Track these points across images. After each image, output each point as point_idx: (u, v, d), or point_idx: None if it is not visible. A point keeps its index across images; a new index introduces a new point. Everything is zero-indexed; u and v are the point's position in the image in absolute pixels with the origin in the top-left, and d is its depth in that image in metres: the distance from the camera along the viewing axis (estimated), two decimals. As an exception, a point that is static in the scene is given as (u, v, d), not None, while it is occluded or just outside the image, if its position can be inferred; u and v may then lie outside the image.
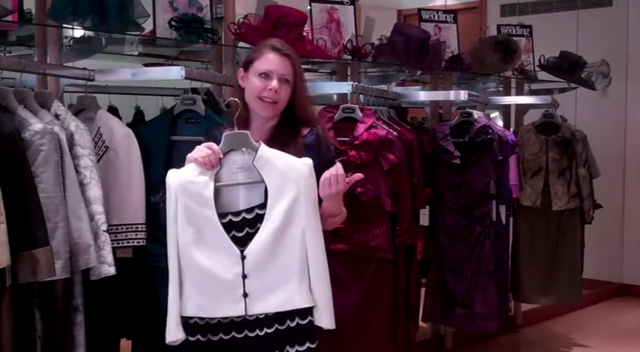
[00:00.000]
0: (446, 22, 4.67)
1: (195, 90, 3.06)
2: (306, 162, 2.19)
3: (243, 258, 2.15)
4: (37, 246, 2.29)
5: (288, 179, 2.17)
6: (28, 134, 2.37)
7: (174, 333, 2.20)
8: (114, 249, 2.66)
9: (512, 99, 5.18)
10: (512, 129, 4.89)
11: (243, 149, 2.21)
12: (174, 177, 2.19)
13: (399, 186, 3.46)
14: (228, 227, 2.16)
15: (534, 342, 4.99)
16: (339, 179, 2.22)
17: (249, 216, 2.18)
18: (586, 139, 4.83)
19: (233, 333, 2.22)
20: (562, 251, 4.86)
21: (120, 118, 3.62)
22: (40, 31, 2.91)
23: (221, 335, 2.22)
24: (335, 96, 3.85)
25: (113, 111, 3.71)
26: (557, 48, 5.12)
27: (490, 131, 4.10)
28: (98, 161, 2.69)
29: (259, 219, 2.17)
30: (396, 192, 3.45)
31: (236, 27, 3.36)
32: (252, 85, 2.31)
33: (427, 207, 3.87)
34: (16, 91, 2.57)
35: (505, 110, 5.19)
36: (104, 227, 2.53)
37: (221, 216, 2.16)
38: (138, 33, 3.13)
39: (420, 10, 4.68)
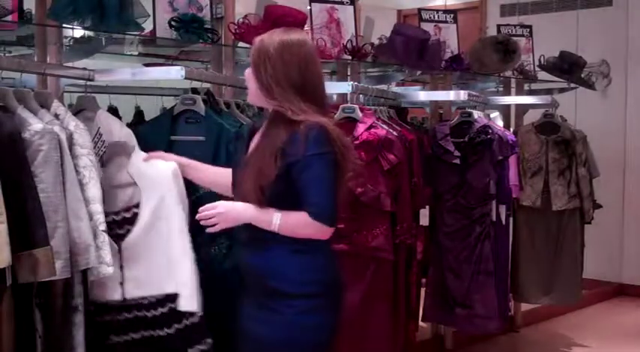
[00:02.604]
0: (446, 22, 4.67)
1: (195, 91, 3.06)
2: (170, 166, 2.62)
3: (120, 251, 2.63)
4: (37, 246, 2.29)
5: (155, 182, 2.62)
6: (28, 134, 2.37)
7: None
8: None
9: (512, 99, 5.18)
10: (512, 129, 4.89)
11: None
12: None
13: (399, 186, 3.46)
14: (111, 225, 2.59)
15: (534, 342, 4.99)
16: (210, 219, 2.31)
17: (127, 215, 2.66)
18: (586, 139, 4.84)
19: (114, 315, 2.69)
20: (562, 251, 4.86)
21: (120, 118, 3.62)
22: (40, 31, 2.91)
23: (107, 316, 2.69)
24: (335, 96, 3.85)
25: (113, 111, 3.71)
26: (557, 48, 5.12)
27: (490, 131, 4.10)
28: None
29: (136, 216, 2.64)
30: (396, 192, 3.45)
31: (236, 27, 3.36)
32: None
33: (427, 207, 3.87)
34: (16, 91, 2.56)
35: (505, 110, 5.19)
36: (103, 227, 2.52)
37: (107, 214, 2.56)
38: (138, 33, 3.13)
39: (419, 10, 4.69)
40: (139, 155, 2.68)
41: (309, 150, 2.18)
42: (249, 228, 2.30)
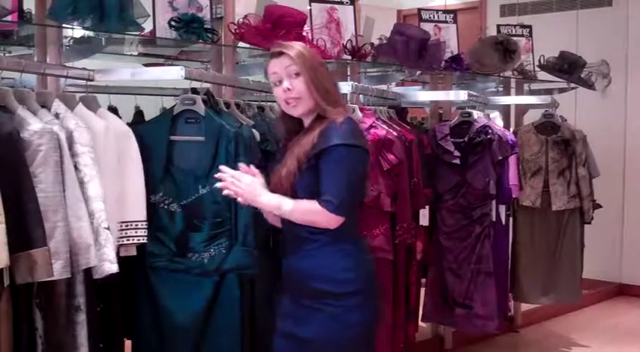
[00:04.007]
0: (446, 22, 4.67)
1: (195, 91, 3.06)
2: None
3: None
4: (35, 247, 2.29)
5: None
6: (27, 134, 2.37)
7: None
8: (117, 248, 2.67)
9: (512, 99, 5.18)
10: (512, 129, 4.89)
11: None
12: None
13: (399, 186, 3.46)
14: None
15: (534, 342, 4.99)
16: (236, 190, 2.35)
17: None
18: (586, 139, 4.84)
19: None
20: (562, 251, 4.86)
21: (120, 118, 3.63)
22: (40, 31, 2.91)
23: None
24: (335, 96, 3.84)
25: (113, 111, 3.70)
26: (557, 48, 5.12)
27: (490, 131, 4.10)
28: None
29: None
30: (395, 192, 3.45)
31: (236, 27, 3.36)
32: (276, 96, 2.39)
33: (427, 207, 3.87)
34: (16, 91, 2.57)
35: (505, 110, 5.20)
36: (105, 224, 2.52)
37: None
38: (138, 33, 3.13)
39: (419, 10, 4.68)
40: None
41: (337, 140, 2.25)
42: (291, 233, 2.38)
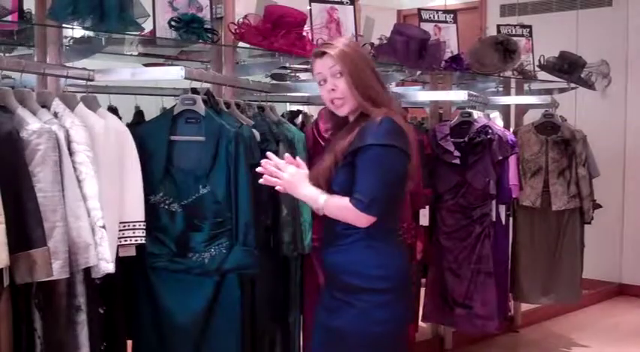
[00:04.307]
0: (446, 22, 4.67)
1: (195, 91, 3.06)
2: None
3: None
4: (35, 247, 2.29)
5: None
6: (26, 133, 2.37)
7: None
8: (116, 248, 2.66)
9: (512, 99, 5.18)
10: (512, 129, 4.89)
11: None
12: None
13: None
14: None
15: (534, 342, 4.99)
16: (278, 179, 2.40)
17: None
18: (586, 139, 4.84)
19: None
20: (562, 251, 4.86)
21: (120, 118, 3.63)
22: (40, 31, 2.91)
23: None
24: (335, 97, 3.84)
25: (113, 111, 3.71)
26: (557, 48, 5.12)
27: (490, 131, 4.10)
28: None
29: None
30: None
31: (236, 27, 3.36)
32: (321, 95, 2.42)
33: (427, 207, 3.87)
34: (16, 91, 2.56)
35: (505, 110, 5.19)
36: (101, 223, 2.51)
37: None
38: (138, 33, 3.13)
39: (419, 10, 4.68)
40: None
41: (373, 140, 2.26)
42: (329, 227, 2.41)
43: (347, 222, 2.32)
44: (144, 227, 2.80)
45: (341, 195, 2.32)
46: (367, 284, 2.34)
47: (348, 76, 2.32)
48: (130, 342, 3.12)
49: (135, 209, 2.78)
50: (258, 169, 2.42)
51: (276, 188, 2.41)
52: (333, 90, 2.34)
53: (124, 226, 2.75)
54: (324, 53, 2.35)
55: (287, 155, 2.47)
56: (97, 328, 2.66)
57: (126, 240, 2.76)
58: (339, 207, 2.31)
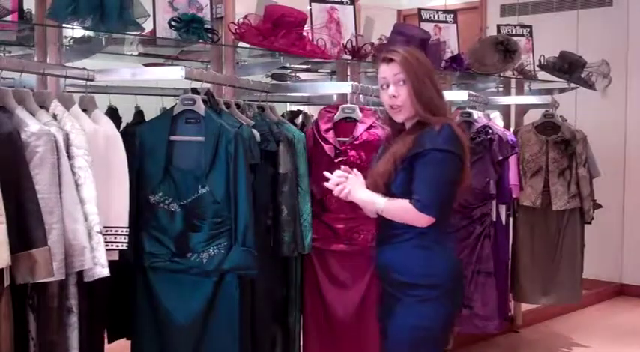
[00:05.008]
0: (446, 22, 4.67)
1: (195, 91, 3.06)
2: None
3: None
4: (36, 247, 2.29)
5: None
6: (25, 135, 2.37)
7: None
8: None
9: (512, 99, 5.18)
10: (512, 129, 4.89)
11: None
12: None
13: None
14: None
15: (534, 342, 4.99)
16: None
17: None
18: (586, 139, 4.84)
19: None
20: (562, 251, 4.86)
21: (120, 118, 3.63)
22: (40, 31, 2.91)
23: None
24: (335, 96, 3.85)
25: (113, 111, 3.70)
26: (557, 48, 5.12)
27: (490, 131, 4.10)
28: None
29: None
30: (395, 192, 3.44)
31: (236, 27, 3.36)
32: (382, 99, 2.59)
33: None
34: (15, 92, 2.56)
35: (505, 110, 5.19)
36: (97, 228, 2.51)
37: None
38: (138, 33, 3.13)
39: (420, 10, 4.68)
40: None
41: (432, 145, 2.42)
42: (382, 228, 2.58)
43: (406, 222, 2.46)
44: (127, 233, 2.75)
45: (400, 197, 2.46)
46: (413, 279, 2.49)
47: (411, 87, 2.47)
48: (129, 342, 3.13)
49: (119, 215, 2.74)
50: (326, 184, 2.58)
51: (341, 196, 2.56)
52: (394, 96, 2.50)
53: (107, 231, 2.69)
54: (391, 60, 2.50)
55: (344, 166, 2.64)
56: (86, 329, 2.65)
57: (107, 245, 2.67)
58: (400, 209, 2.45)
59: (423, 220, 2.43)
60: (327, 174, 2.60)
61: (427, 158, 2.42)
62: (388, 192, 2.49)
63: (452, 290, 2.55)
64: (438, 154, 2.41)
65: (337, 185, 2.55)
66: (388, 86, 2.52)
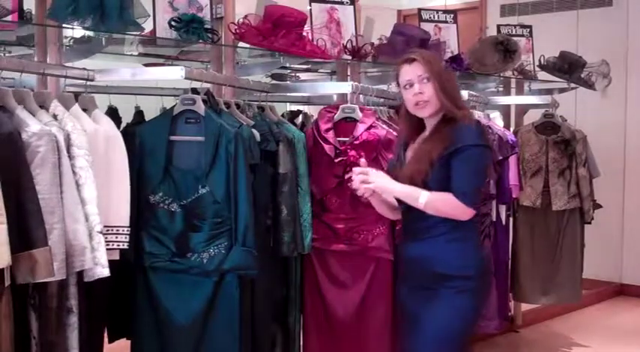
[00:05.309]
0: (446, 22, 4.67)
1: (195, 91, 3.06)
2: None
3: None
4: (36, 247, 2.29)
5: None
6: (25, 135, 2.37)
7: None
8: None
9: (512, 99, 5.18)
10: (512, 129, 4.89)
11: None
12: None
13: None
14: None
15: (534, 342, 4.99)
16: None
17: None
18: (586, 139, 4.84)
19: None
20: (562, 251, 4.86)
21: (120, 118, 3.63)
22: (40, 31, 2.91)
23: None
24: (335, 96, 3.85)
25: (113, 111, 3.70)
26: (557, 48, 5.12)
27: (490, 131, 4.10)
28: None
29: None
30: (395, 192, 3.44)
31: (236, 27, 3.36)
32: (405, 99, 2.65)
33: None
34: (15, 92, 2.56)
35: (505, 110, 5.19)
36: (98, 228, 2.51)
37: None
38: (138, 33, 3.13)
39: (420, 10, 4.68)
40: None
41: (470, 141, 2.53)
42: (413, 223, 2.65)
43: (447, 215, 2.54)
44: (127, 232, 2.76)
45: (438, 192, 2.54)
46: (451, 271, 2.57)
47: (436, 82, 2.57)
48: (129, 342, 3.13)
49: (120, 214, 2.74)
50: (353, 184, 2.63)
51: (365, 194, 2.64)
52: (420, 93, 2.58)
53: (108, 230, 2.69)
54: (413, 60, 2.61)
55: (363, 160, 2.73)
56: (86, 329, 2.65)
57: (108, 244, 2.68)
58: (445, 203, 2.52)
59: (466, 213, 2.53)
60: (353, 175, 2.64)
61: (465, 154, 2.51)
62: (425, 188, 2.55)
63: (484, 281, 2.69)
64: (476, 150, 2.54)
65: (362, 182, 2.60)
66: (411, 86, 2.60)
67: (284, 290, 3.39)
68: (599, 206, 4.94)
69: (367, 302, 3.37)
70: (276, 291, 3.33)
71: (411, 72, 2.61)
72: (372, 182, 2.60)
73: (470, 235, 2.65)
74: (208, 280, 2.93)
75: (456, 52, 4.56)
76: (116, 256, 2.75)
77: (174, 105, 3.05)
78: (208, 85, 3.17)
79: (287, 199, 3.19)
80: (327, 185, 3.36)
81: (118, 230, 2.74)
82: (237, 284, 2.94)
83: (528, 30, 5.27)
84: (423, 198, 2.53)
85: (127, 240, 2.76)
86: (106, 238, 2.66)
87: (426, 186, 2.55)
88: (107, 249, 2.65)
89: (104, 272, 2.52)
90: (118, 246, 2.75)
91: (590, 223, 4.92)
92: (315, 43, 3.67)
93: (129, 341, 3.14)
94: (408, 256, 2.72)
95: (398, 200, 2.70)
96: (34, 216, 2.30)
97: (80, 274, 2.54)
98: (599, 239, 5.41)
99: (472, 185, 2.56)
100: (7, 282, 2.30)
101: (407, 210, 2.66)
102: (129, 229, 2.76)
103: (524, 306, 5.19)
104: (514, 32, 5.16)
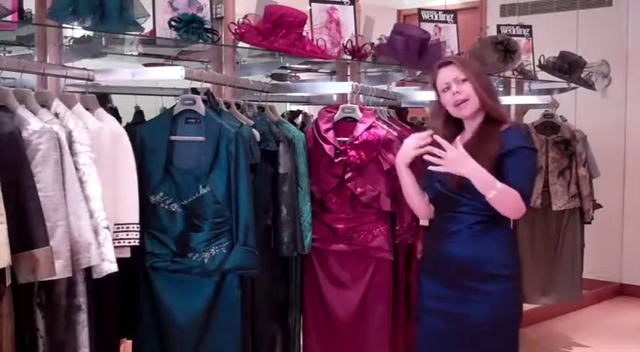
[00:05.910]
0: (446, 22, 4.67)
1: (195, 91, 3.06)
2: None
3: None
4: (37, 246, 2.29)
5: None
6: (26, 133, 2.37)
7: None
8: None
9: (512, 99, 5.17)
10: (512, 129, 4.88)
11: None
12: None
13: (399, 186, 3.45)
14: None
15: (534, 342, 4.99)
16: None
17: None
18: (586, 139, 4.84)
19: None
20: (562, 251, 4.86)
21: (120, 118, 3.63)
22: (40, 31, 2.91)
23: None
24: (335, 96, 3.85)
25: (113, 111, 3.70)
26: (557, 48, 5.12)
27: (490, 131, 4.10)
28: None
29: None
30: (395, 192, 3.44)
31: (236, 27, 3.36)
32: (444, 101, 2.69)
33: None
34: (16, 91, 2.56)
35: (505, 110, 5.18)
36: (104, 223, 2.51)
37: None
38: (138, 33, 3.13)
39: (419, 10, 4.68)
40: None
41: (521, 143, 2.59)
42: (451, 218, 2.66)
43: (507, 209, 2.56)
44: (138, 229, 2.77)
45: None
46: (497, 270, 2.62)
47: (475, 81, 2.62)
48: (129, 342, 3.13)
49: (129, 211, 2.76)
50: (424, 158, 2.62)
51: (435, 169, 2.57)
52: (458, 93, 2.62)
53: (118, 228, 2.72)
54: (449, 63, 2.68)
55: (436, 136, 2.62)
56: (95, 327, 2.65)
57: (119, 242, 2.72)
58: (513, 196, 2.52)
59: (522, 210, 2.57)
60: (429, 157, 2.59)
61: (519, 155, 2.57)
62: (466, 190, 2.58)
63: (520, 279, 2.76)
64: (527, 151, 2.60)
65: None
66: (449, 88, 2.65)
67: (284, 290, 3.39)
68: (599, 206, 4.94)
69: (367, 303, 3.37)
70: (276, 291, 3.33)
71: (447, 75, 2.66)
72: (444, 158, 2.55)
73: (510, 235, 2.76)
74: (209, 280, 2.93)
75: (455, 52, 4.56)
76: (127, 254, 2.76)
77: (175, 105, 3.05)
78: (208, 85, 3.17)
79: (287, 199, 3.19)
80: (327, 185, 3.36)
81: (128, 227, 2.75)
82: (239, 284, 2.95)
83: (528, 30, 5.27)
84: (498, 185, 2.51)
85: (138, 236, 2.77)
86: (117, 236, 2.69)
87: (466, 188, 2.56)
88: (118, 247, 2.68)
89: (112, 267, 2.53)
90: (129, 243, 2.76)
91: (590, 223, 4.92)
92: (315, 43, 3.67)
93: (129, 341, 3.14)
94: (454, 260, 2.66)
95: (433, 196, 2.73)
96: (35, 214, 2.30)
97: (89, 271, 2.54)
98: (599, 239, 5.42)
99: (531, 185, 2.65)
100: (8, 282, 2.30)
101: (443, 207, 2.69)
102: (139, 226, 2.78)
103: (525, 306, 5.16)
104: (514, 32, 5.15)
